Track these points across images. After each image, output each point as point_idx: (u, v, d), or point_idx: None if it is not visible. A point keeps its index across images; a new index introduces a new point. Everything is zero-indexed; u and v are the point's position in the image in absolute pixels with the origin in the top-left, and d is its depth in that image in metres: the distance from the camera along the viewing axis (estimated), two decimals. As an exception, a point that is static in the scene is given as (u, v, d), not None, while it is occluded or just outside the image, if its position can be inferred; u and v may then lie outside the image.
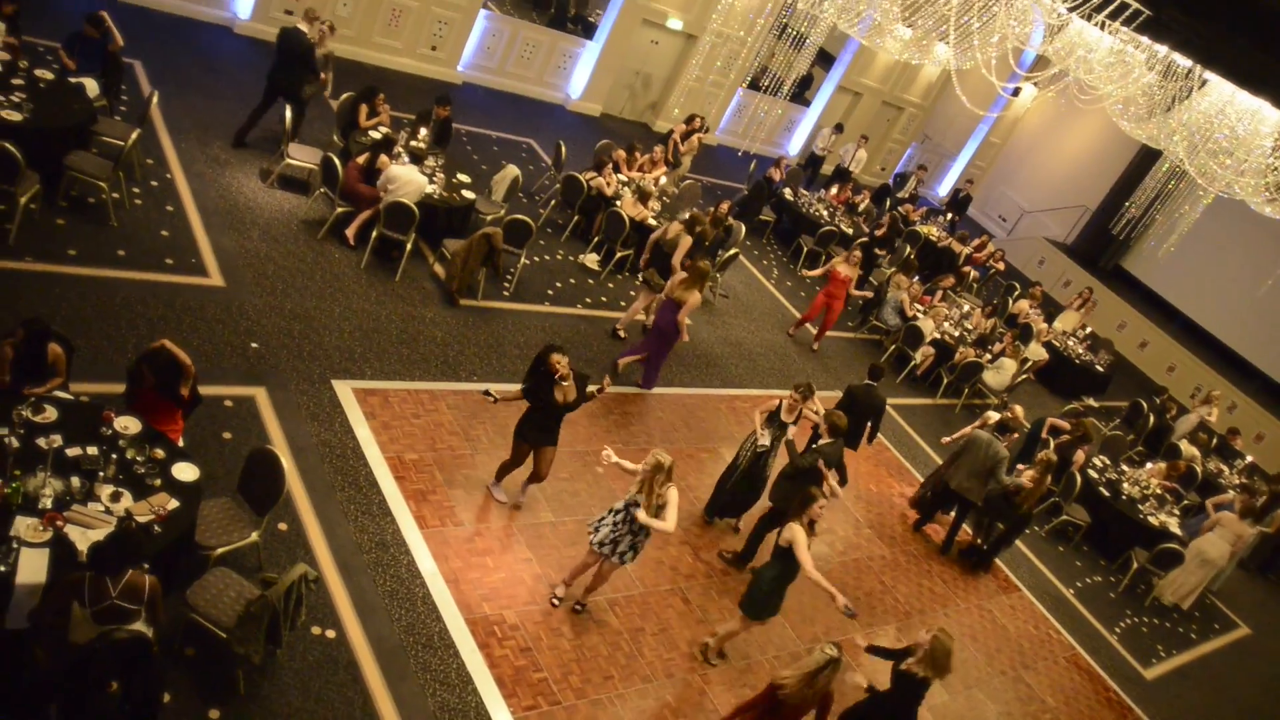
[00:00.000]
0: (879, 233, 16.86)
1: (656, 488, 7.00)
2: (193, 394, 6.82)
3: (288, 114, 10.92)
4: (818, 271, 13.26)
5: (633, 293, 12.64)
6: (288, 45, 11.20)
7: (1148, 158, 18.92)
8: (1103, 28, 10.79)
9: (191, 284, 9.07)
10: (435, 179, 11.25)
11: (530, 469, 8.22)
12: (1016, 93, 21.87)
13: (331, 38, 11.80)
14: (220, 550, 6.26)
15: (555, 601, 7.61)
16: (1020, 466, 10.52)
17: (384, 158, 10.53)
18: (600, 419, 9.94)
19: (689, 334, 11.02)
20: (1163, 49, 11.32)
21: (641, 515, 6.98)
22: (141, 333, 8.18)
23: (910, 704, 6.82)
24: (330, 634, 6.56)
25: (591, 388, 8.06)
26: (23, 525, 5.38)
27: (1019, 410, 11.07)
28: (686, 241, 11.68)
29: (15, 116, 8.63)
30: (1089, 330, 17.70)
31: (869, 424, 10.36)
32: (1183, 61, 11.47)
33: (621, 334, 11.62)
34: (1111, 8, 9.36)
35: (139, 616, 5.06)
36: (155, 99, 10.20)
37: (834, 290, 13.11)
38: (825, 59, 20.97)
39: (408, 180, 10.37)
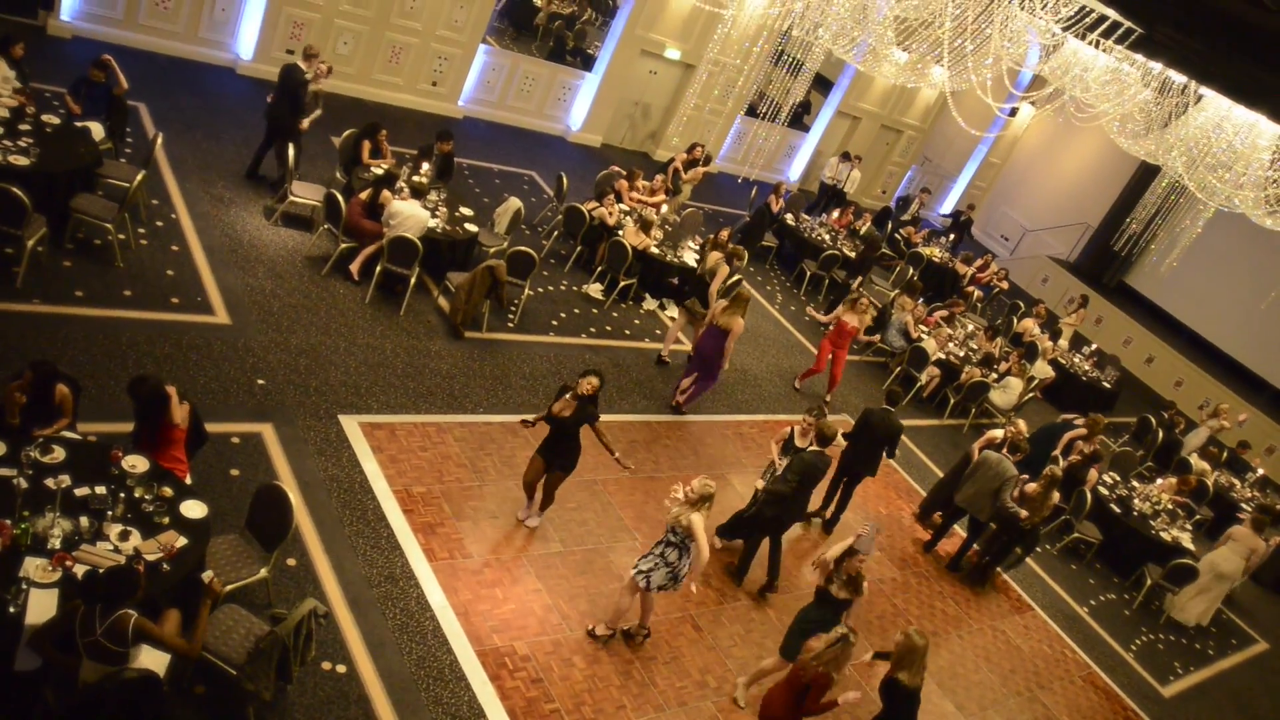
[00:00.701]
0: (854, 255, 16.38)
1: (691, 509, 7.20)
2: (198, 429, 6.85)
3: (290, 152, 11.03)
4: (824, 318, 12.65)
5: (637, 321, 12.68)
6: (282, 80, 11.43)
7: (1147, 174, 18.96)
8: (1097, 46, 10.86)
9: (197, 322, 9.13)
10: (438, 213, 11.33)
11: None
12: (1014, 113, 21.98)
13: (327, 78, 11.92)
14: (229, 587, 6.26)
15: (593, 633, 7.70)
16: (1023, 476, 10.46)
17: (386, 193, 10.61)
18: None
19: (730, 362, 11.38)
20: (1158, 66, 11.39)
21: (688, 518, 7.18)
22: (149, 370, 8.22)
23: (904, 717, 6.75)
24: (341, 669, 6.54)
25: (622, 461, 8.30)
26: (32, 566, 5.40)
27: (1022, 425, 11.03)
28: (724, 270, 12.11)
29: (23, 161, 8.74)
30: (1095, 347, 17.67)
31: (886, 447, 10.31)
32: (1178, 78, 11.53)
33: (666, 359, 12.05)
34: (1104, 27, 9.43)
35: (125, 659, 5.02)
36: (160, 140, 10.33)
37: (840, 340, 12.40)
38: (824, 84, 21.13)
39: (410, 215, 10.45)
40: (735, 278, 13.43)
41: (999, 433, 10.85)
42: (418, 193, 10.96)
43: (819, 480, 8.97)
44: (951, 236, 20.14)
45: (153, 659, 5.27)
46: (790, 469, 8.72)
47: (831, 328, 12.48)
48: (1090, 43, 10.37)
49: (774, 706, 6.68)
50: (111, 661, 4.98)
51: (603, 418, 8.30)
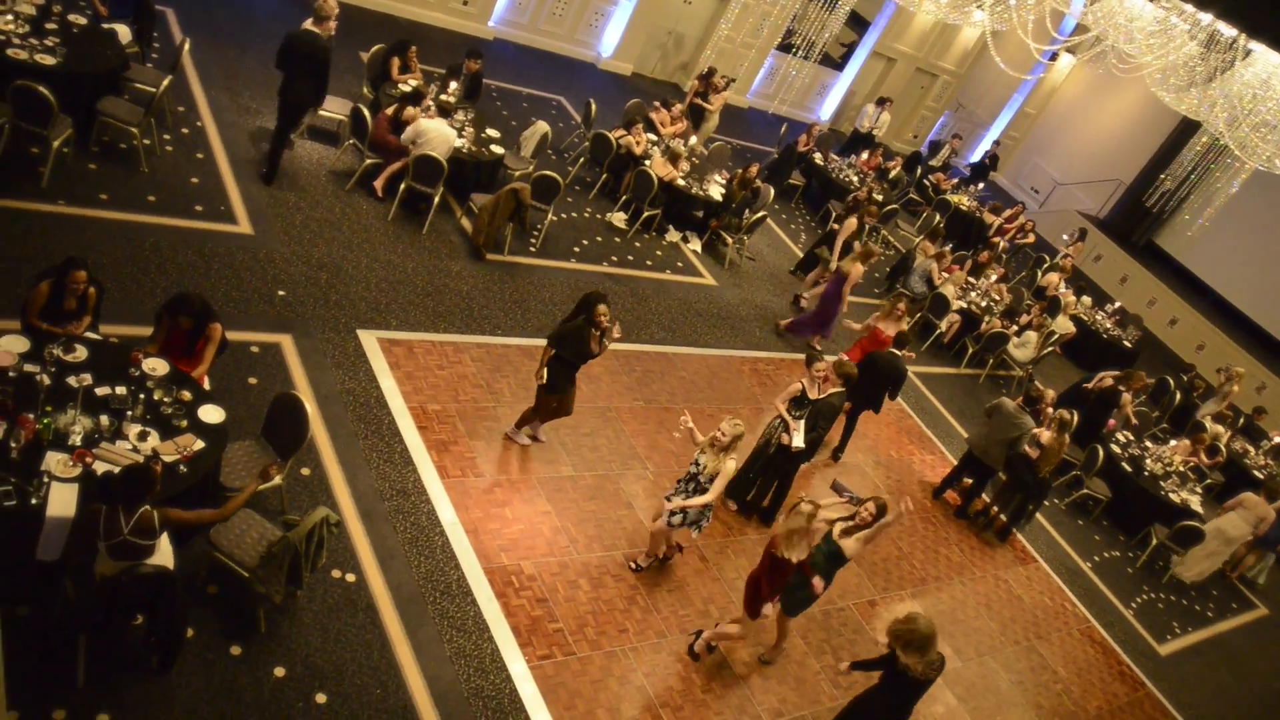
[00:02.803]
0: (860, 195, 15.01)
1: (725, 454, 7.28)
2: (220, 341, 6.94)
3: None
4: (858, 326, 11.47)
5: (659, 252, 12.62)
6: (297, 51, 9.66)
7: (1186, 130, 18.57)
8: (1147, -6, 10.56)
9: (220, 231, 9.14)
10: (464, 133, 11.23)
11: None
12: (1055, 57, 21.42)
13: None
14: (248, 491, 6.35)
15: (633, 565, 7.89)
16: (1036, 430, 10.45)
17: (412, 110, 10.51)
18: (622, 375, 9.96)
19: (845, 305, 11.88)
20: (1207, 17, 11.07)
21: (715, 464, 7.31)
22: (171, 277, 8.27)
23: (906, 700, 6.62)
24: (350, 578, 6.67)
25: (610, 340, 8.11)
26: (53, 460, 5.49)
27: (1050, 395, 11.04)
28: (851, 223, 13.15)
29: (49, 61, 8.68)
30: (1118, 305, 17.49)
31: (889, 388, 10.33)
32: (1227, 31, 11.21)
33: (804, 304, 13.03)
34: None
35: (153, 552, 5.15)
36: (187, 47, 10.23)
37: (871, 348, 10.80)
38: (859, 23, 20.67)
39: (436, 134, 10.36)
40: (761, 214, 13.31)
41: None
42: (445, 111, 10.85)
43: (837, 417, 9.12)
44: (977, 185, 19.81)
45: (162, 560, 5.37)
46: (822, 415, 8.77)
47: (865, 336, 11.13)
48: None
49: (757, 587, 6.97)
50: (137, 556, 5.10)
51: (621, 347, 8.32)
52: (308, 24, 9.82)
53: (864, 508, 7.17)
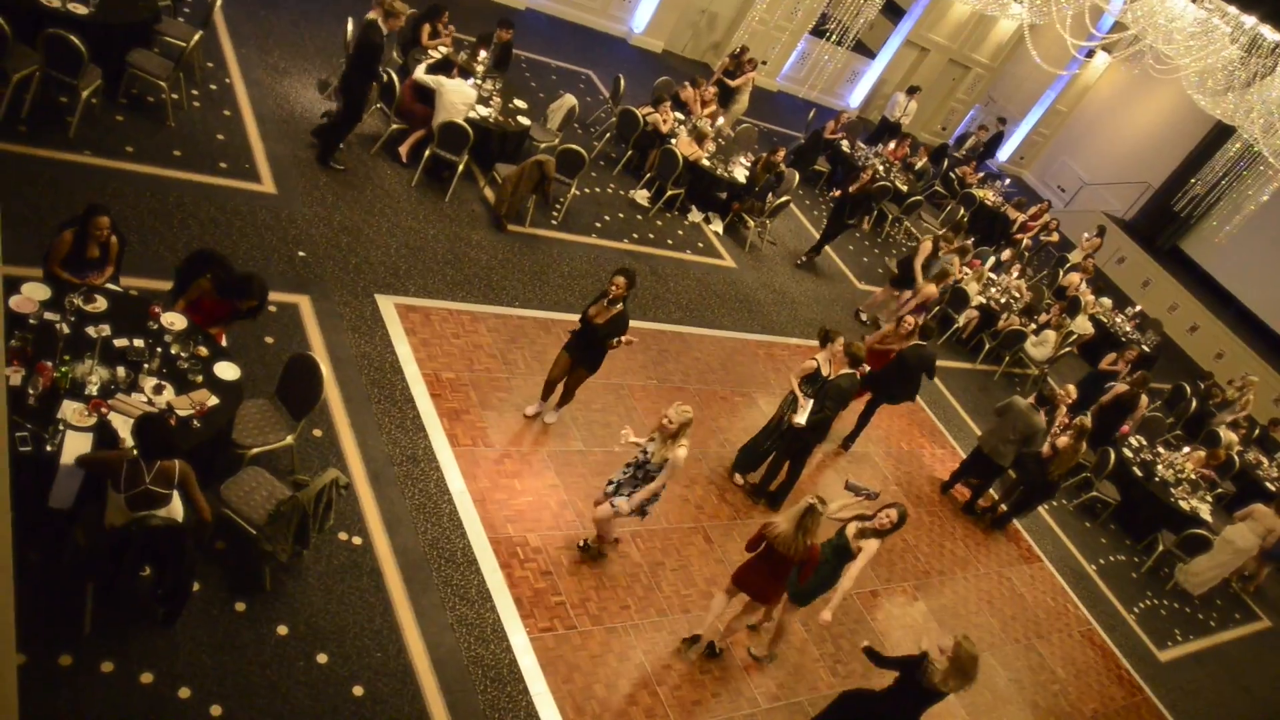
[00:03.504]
0: (854, 188, 14.40)
1: (673, 441, 7.03)
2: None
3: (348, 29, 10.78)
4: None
5: (680, 232, 12.58)
6: (376, 42, 9.54)
7: (1220, 135, 18.33)
8: (1190, -6, 10.39)
9: (244, 189, 9.15)
10: (492, 102, 11.19)
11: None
12: (1091, 54, 21.15)
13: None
14: (255, 450, 6.40)
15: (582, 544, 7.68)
16: (1054, 431, 10.45)
17: (438, 77, 10.46)
18: (638, 353, 9.96)
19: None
20: (1250, 20, 10.89)
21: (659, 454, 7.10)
22: (193, 232, 8.30)
23: (919, 708, 6.56)
24: (357, 540, 6.72)
25: (616, 339, 7.99)
26: (70, 409, 5.54)
27: (1071, 390, 11.01)
28: (926, 246, 13.31)
29: (81, 10, 8.68)
30: (1139, 308, 17.35)
31: (923, 375, 10.35)
32: (1270, 35, 11.03)
33: (864, 319, 13.08)
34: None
35: (169, 500, 5.20)
36: (219, 3, 10.22)
37: (877, 365, 10.45)
38: (895, 11, 20.45)
39: (455, 90, 10.23)
40: (785, 198, 13.24)
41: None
42: (466, 73, 10.77)
43: (850, 401, 9.04)
44: (972, 151, 19.52)
45: (172, 513, 5.42)
46: (829, 397, 8.71)
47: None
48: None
49: (760, 580, 6.83)
50: (154, 506, 5.15)
51: (638, 324, 8.27)
52: (373, 15, 9.50)
53: (885, 514, 6.98)
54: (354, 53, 9.72)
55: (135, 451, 5.11)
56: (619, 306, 7.92)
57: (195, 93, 9.88)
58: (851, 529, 7.10)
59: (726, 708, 7.13)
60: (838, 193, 14.81)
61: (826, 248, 14.18)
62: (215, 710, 5.43)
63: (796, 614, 7.50)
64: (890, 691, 6.61)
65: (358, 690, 5.91)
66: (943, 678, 6.24)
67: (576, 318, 8.23)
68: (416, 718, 5.95)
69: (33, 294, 6.06)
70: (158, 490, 5.12)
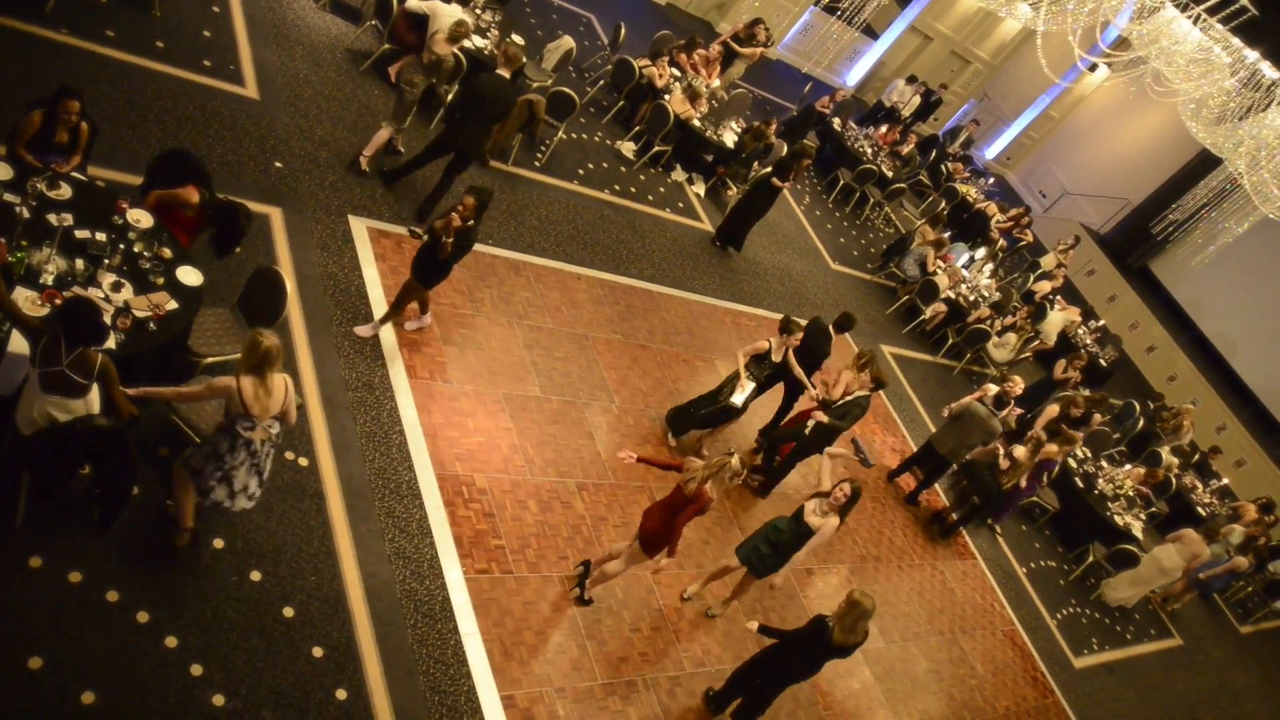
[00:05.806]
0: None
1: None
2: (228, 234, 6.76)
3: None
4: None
5: (662, 189, 12.48)
6: (494, 97, 9.10)
7: (1205, 163, 18.50)
8: (1196, 21, 10.41)
9: (225, 90, 8.91)
10: (489, 35, 10.97)
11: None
12: (1093, 68, 21.19)
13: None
14: (210, 360, 6.30)
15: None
16: (1014, 448, 10.62)
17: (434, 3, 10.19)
18: (605, 306, 9.91)
19: None
20: (1252, 55, 10.95)
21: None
22: (168, 128, 8.08)
23: (817, 658, 6.75)
24: (303, 461, 6.66)
25: (416, 228, 7.72)
26: (22, 297, 5.39)
27: (1019, 381, 11.05)
28: (1052, 410, 12.33)
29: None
30: (1102, 323, 17.57)
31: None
32: (1270, 73, 11.11)
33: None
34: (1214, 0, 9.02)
35: (86, 391, 5.02)
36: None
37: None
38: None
39: (443, 11, 9.95)
40: (769, 169, 13.06)
41: (994, 388, 10.78)
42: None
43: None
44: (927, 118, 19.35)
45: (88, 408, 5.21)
46: (851, 415, 8.99)
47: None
48: (1191, 16, 9.93)
49: (653, 520, 6.81)
50: (68, 394, 4.96)
51: (607, 278, 8.17)
52: (500, 70, 9.13)
53: (839, 488, 7.19)
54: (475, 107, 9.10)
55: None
56: (469, 223, 7.47)
57: (185, -17, 9.57)
58: (810, 504, 7.27)
59: (652, 668, 7.22)
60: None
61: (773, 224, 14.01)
62: (142, 616, 5.39)
63: (753, 584, 7.63)
64: (795, 641, 6.77)
65: (288, 611, 5.89)
66: (840, 632, 6.45)
67: (546, 262, 8.09)
68: (344, 645, 5.95)
69: (-6, 171, 5.87)
70: (74, 377, 4.92)
